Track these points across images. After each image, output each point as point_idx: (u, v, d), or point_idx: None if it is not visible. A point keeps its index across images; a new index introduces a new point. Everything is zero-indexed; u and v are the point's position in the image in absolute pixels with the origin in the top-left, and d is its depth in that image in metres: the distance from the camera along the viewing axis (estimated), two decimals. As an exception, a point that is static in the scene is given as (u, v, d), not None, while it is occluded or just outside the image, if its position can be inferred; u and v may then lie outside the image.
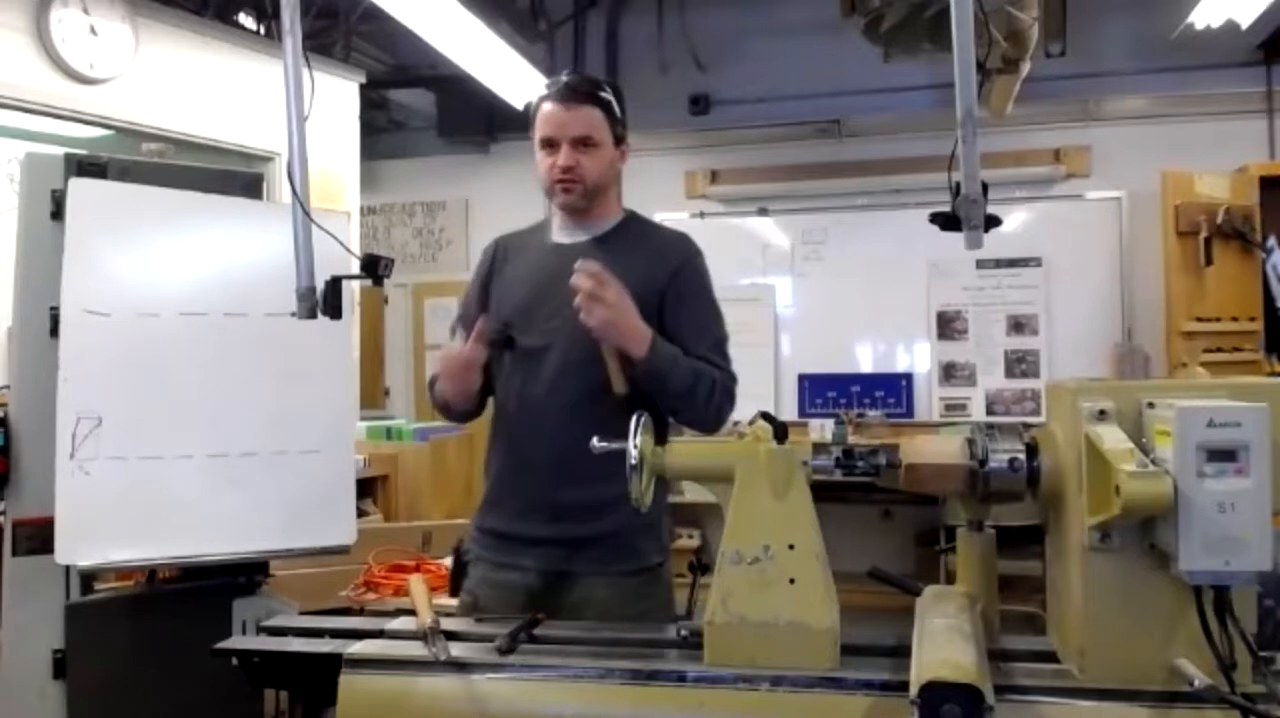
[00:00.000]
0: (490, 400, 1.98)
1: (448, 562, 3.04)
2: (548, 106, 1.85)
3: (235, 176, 2.70)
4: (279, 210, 2.38)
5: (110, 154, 2.49)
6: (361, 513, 3.50)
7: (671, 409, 1.81)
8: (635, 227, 1.97)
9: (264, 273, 2.38)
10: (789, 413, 5.51)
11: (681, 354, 1.78)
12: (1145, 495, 1.03)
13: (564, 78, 1.88)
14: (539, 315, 1.85)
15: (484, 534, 1.91)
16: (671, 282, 1.86)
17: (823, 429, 5.28)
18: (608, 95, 1.88)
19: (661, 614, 1.81)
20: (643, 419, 1.36)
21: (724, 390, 1.83)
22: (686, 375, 1.77)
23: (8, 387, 2.38)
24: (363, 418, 4.99)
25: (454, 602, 2.66)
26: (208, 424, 2.37)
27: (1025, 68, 4.26)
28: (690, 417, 1.83)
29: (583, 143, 1.84)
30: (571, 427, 1.74)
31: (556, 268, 1.84)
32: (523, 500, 1.84)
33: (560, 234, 1.95)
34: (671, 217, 5.84)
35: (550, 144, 1.85)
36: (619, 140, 1.91)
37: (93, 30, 3.81)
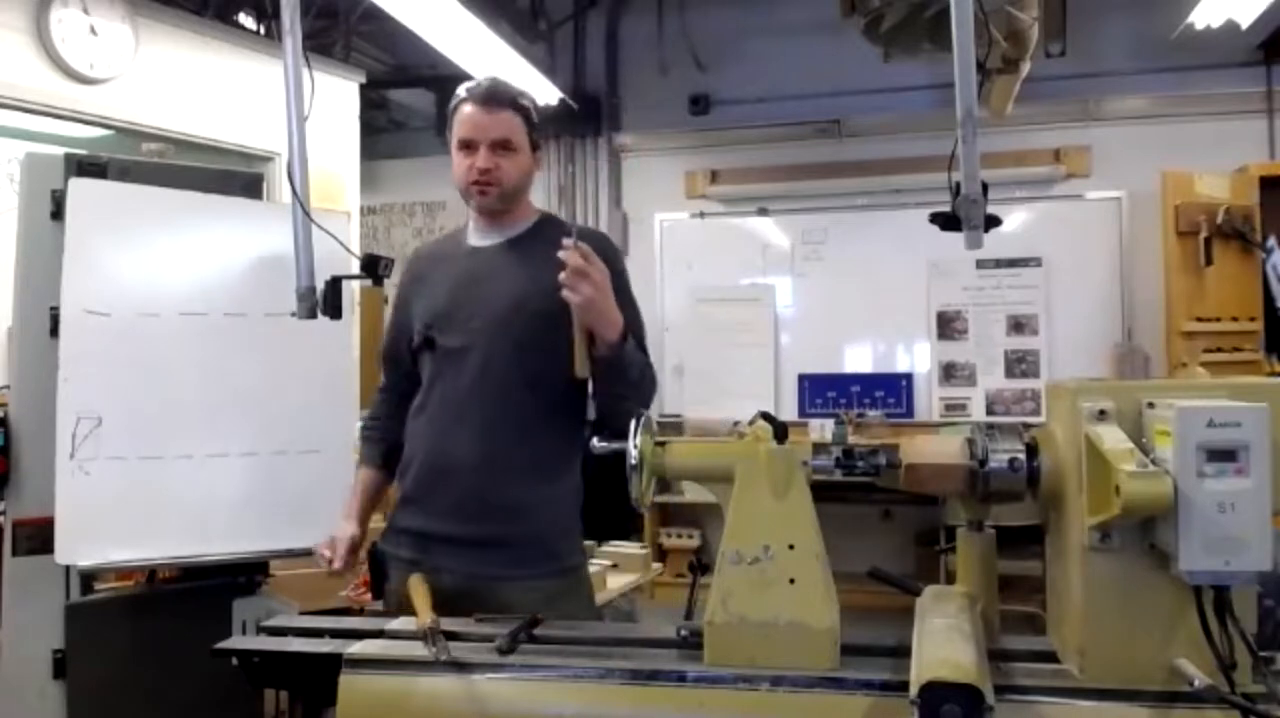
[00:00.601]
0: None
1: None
2: (467, 109, 1.85)
3: (235, 176, 2.71)
4: (279, 210, 2.38)
5: (110, 154, 2.49)
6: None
7: (617, 396, 1.79)
8: (550, 228, 1.96)
9: (264, 273, 2.38)
10: (789, 413, 5.51)
11: (636, 365, 1.79)
12: (1145, 495, 1.03)
13: (484, 82, 1.88)
14: (459, 317, 1.86)
15: (402, 534, 1.89)
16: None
17: (823, 429, 5.28)
18: (526, 103, 1.90)
19: (585, 615, 1.82)
20: (643, 419, 1.36)
21: (654, 383, 1.89)
22: (639, 366, 1.80)
23: (8, 387, 2.38)
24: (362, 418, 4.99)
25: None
26: (208, 424, 2.37)
27: (1025, 68, 4.26)
28: (630, 406, 1.82)
29: (501, 146, 1.84)
30: (496, 426, 1.78)
31: (474, 270, 1.89)
32: (446, 500, 1.83)
33: (476, 238, 1.96)
34: (671, 217, 5.86)
35: (468, 146, 1.85)
36: (534, 147, 1.92)
37: (93, 30, 3.81)
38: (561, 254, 1.65)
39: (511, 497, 1.79)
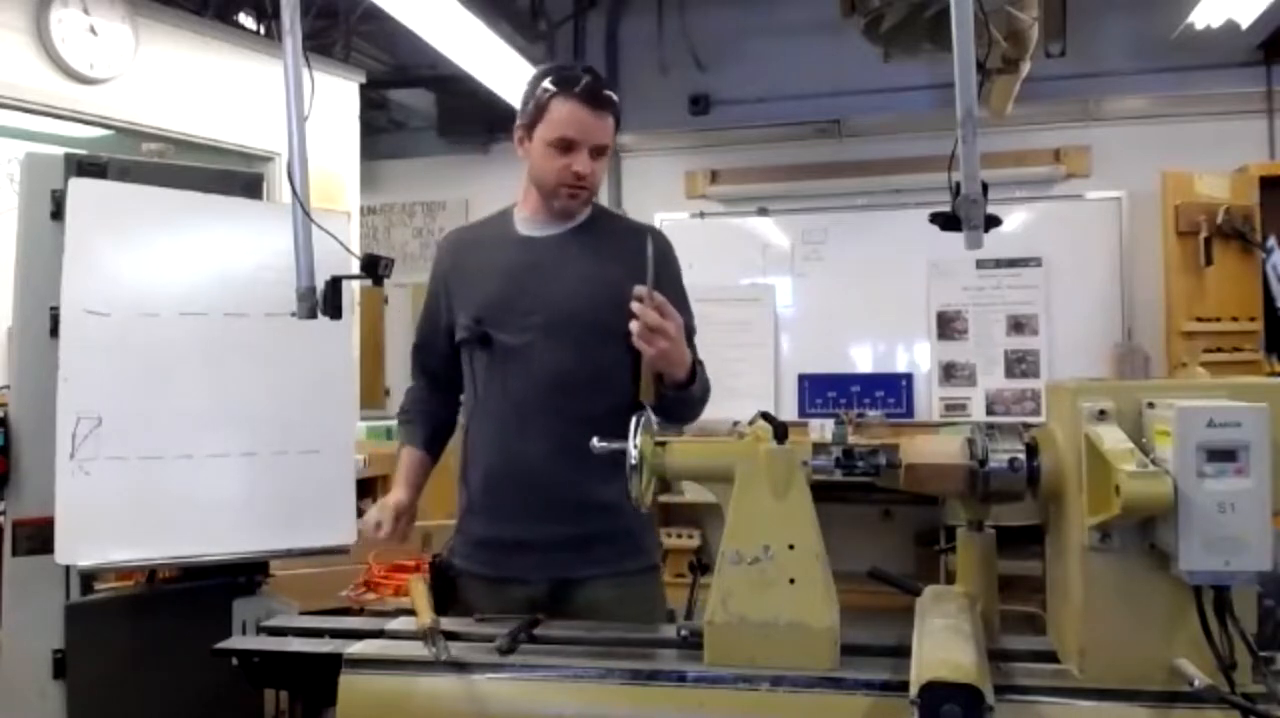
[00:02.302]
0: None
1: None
2: (573, 104, 1.75)
3: (235, 176, 2.70)
4: (279, 210, 2.38)
5: (110, 154, 2.49)
6: (361, 513, 3.49)
7: (679, 417, 1.79)
8: (605, 218, 1.93)
9: (264, 273, 2.38)
10: (789, 413, 5.51)
11: (700, 372, 1.77)
12: (1145, 495, 1.03)
13: (583, 76, 1.77)
14: (516, 310, 1.80)
15: (475, 547, 1.82)
16: (655, 274, 1.83)
17: (823, 429, 5.28)
18: (618, 103, 1.83)
19: (660, 615, 1.79)
20: (642, 419, 1.36)
21: (709, 390, 1.84)
22: (703, 388, 1.78)
23: (8, 387, 2.38)
24: (363, 418, 4.98)
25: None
26: (208, 424, 2.37)
27: (1025, 68, 4.26)
28: (689, 419, 1.82)
29: (600, 151, 1.79)
30: (567, 423, 1.70)
31: (529, 262, 1.83)
32: (520, 504, 1.77)
33: (527, 227, 1.88)
34: (671, 217, 5.85)
35: (569, 146, 1.77)
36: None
37: (93, 30, 3.81)
38: (634, 307, 1.57)
39: (590, 495, 1.71)
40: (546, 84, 1.79)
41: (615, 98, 1.81)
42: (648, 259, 1.57)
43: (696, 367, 1.75)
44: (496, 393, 1.82)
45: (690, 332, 1.80)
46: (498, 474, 1.81)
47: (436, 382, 2.00)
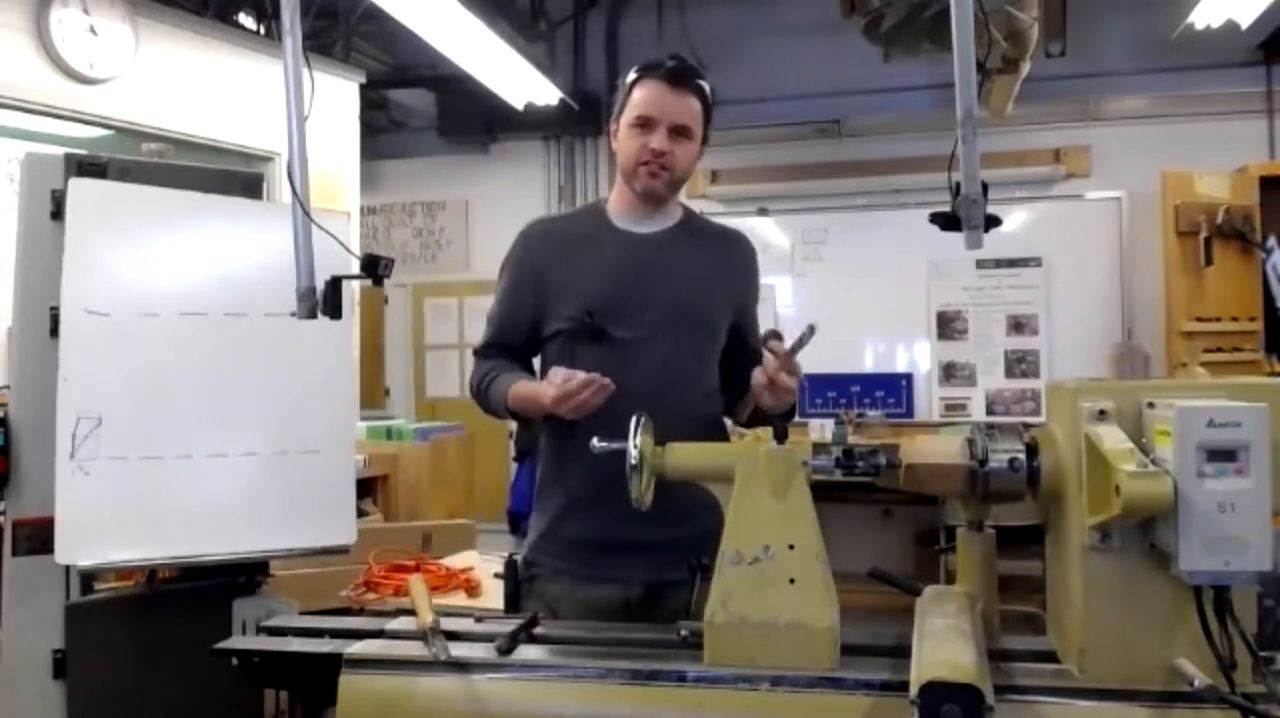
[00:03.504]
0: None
1: (447, 561, 3.04)
2: (652, 84, 1.77)
3: (235, 176, 2.70)
4: (279, 210, 2.39)
5: (110, 154, 2.49)
6: (361, 513, 3.50)
7: (760, 420, 1.80)
8: (697, 223, 1.96)
9: (264, 273, 2.38)
10: (789, 413, 5.50)
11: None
12: (1145, 495, 1.03)
13: (668, 62, 1.79)
14: (628, 307, 1.78)
15: (570, 546, 1.77)
16: (745, 280, 1.97)
17: (823, 429, 5.28)
18: (708, 90, 1.82)
19: None
20: (642, 419, 1.36)
21: None
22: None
23: (8, 387, 2.38)
24: (363, 418, 4.99)
25: (470, 603, 2.63)
26: (208, 424, 2.37)
27: (1025, 68, 4.26)
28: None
29: (680, 131, 1.78)
30: (677, 422, 1.60)
31: (637, 258, 1.84)
32: (627, 502, 1.75)
33: (625, 222, 1.87)
34: (671, 217, 5.85)
35: (646, 124, 1.77)
36: (706, 139, 1.86)
37: (93, 30, 3.81)
38: (768, 363, 1.64)
39: (699, 496, 1.62)
40: (632, 73, 1.83)
41: (704, 84, 1.81)
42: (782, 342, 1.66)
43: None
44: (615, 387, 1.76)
45: (758, 328, 1.95)
46: (610, 472, 1.74)
47: (511, 359, 1.93)
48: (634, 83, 1.80)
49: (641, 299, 1.80)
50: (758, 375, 1.64)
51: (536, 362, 1.94)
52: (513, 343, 1.91)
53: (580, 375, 1.65)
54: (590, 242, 1.87)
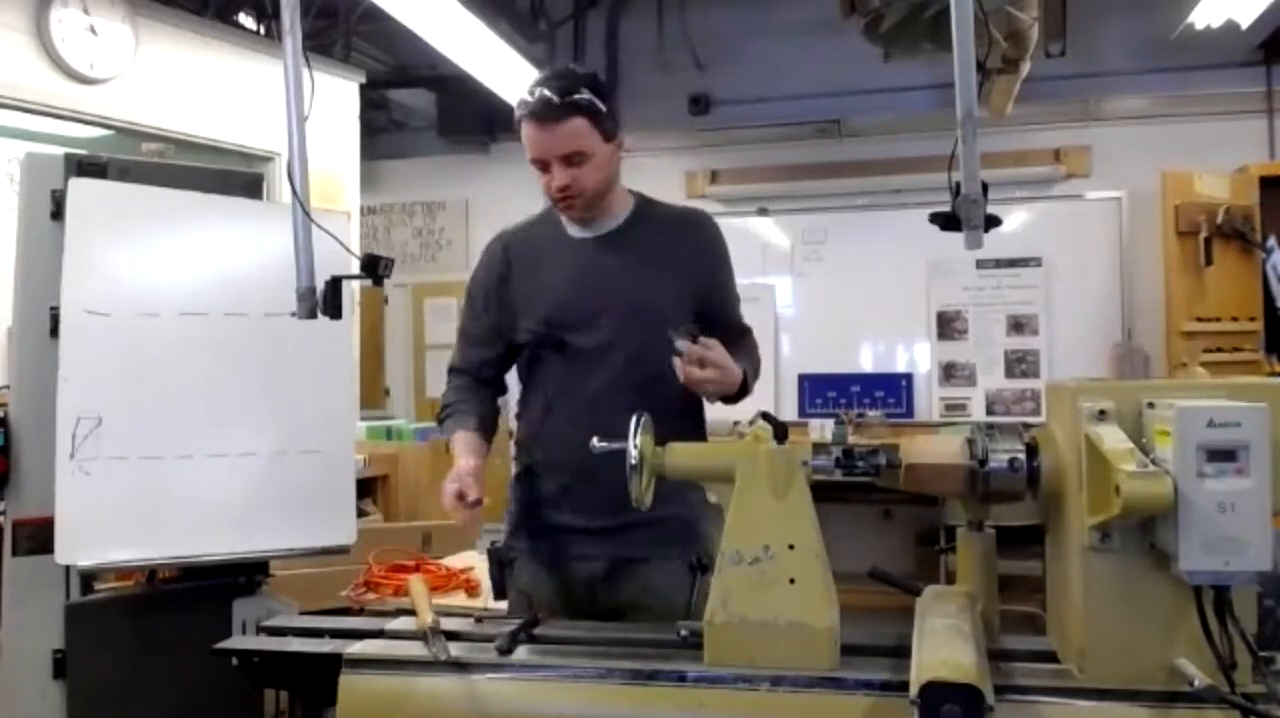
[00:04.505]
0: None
1: (447, 561, 3.04)
2: (527, 126, 1.78)
3: (235, 176, 2.71)
4: (279, 210, 2.38)
5: (110, 154, 2.49)
6: (361, 513, 3.50)
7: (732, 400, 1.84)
8: (649, 212, 1.95)
9: (264, 273, 2.38)
10: (789, 413, 5.51)
11: (749, 365, 1.83)
12: (1145, 495, 1.03)
13: (539, 90, 1.76)
14: (583, 314, 1.83)
15: (544, 534, 1.87)
16: (705, 262, 1.92)
17: (823, 429, 5.28)
18: (586, 96, 1.76)
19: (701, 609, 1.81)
20: (642, 419, 1.36)
21: (759, 359, 1.95)
22: (756, 375, 1.85)
23: (8, 387, 2.38)
24: (363, 418, 4.99)
25: (470, 603, 2.64)
26: (208, 424, 2.37)
27: (1025, 68, 4.26)
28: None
29: (570, 159, 1.78)
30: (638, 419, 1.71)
31: (587, 264, 1.86)
32: (597, 497, 1.77)
33: (578, 228, 1.91)
34: (671, 217, 5.85)
35: (541, 165, 1.81)
36: (609, 137, 1.82)
37: (93, 30, 3.81)
38: (677, 362, 1.67)
39: (661, 486, 1.67)
40: (515, 110, 1.84)
41: (576, 98, 1.75)
42: (684, 338, 1.67)
43: (745, 371, 1.80)
44: (569, 392, 1.84)
45: (738, 300, 1.96)
46: (576, 471, 1.80)
47: (479, 380, 2.00)
48: (518, 123, 1.82)
49: (595, 305, 1.83)
50: (675, 363, 1.68)
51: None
52: (479, 360, 1.99)
53: (454, 497, 1.72)
54: (545, 251, 1.92)
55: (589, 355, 1.83)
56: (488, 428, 1.95)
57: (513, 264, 1.94)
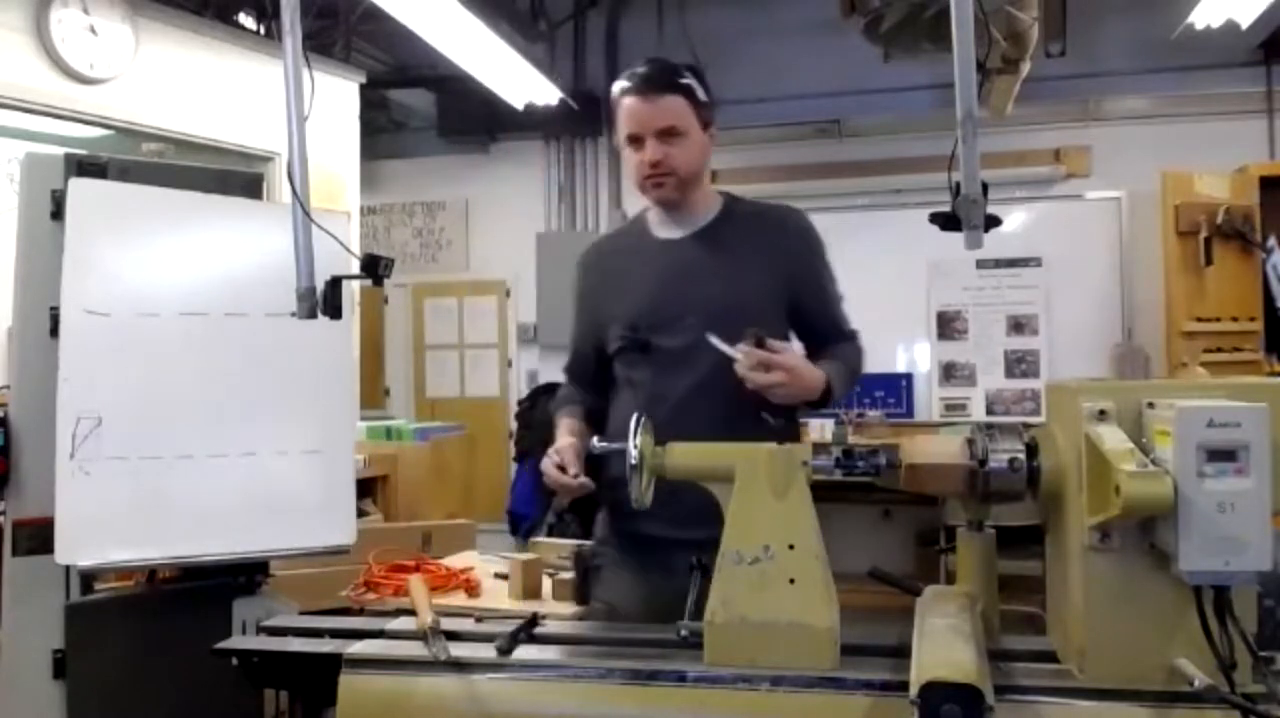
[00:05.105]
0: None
1: (447, 561, 3.04)
2: (628, 101, 1.80)
3: (235, 176, 2.70)
4: (279, 210, 2.38)
5: (110, 154, 2.49)
6: (361, 513, 3.50)
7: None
8: (738, 210, 1.93)
9: (264, 273, 2.38)
10: (789, 413, 5.50)
11: (842, 367, 1.80)
12: (1145, 495, 1.03)
13: (640, 69, 1.81)
14: (669, 315, 1.81)
15: (627, 539, 1.83)
16: (797, 259, 1.88)
17: (823, 429, 5.28)
18: (688, 80, 1.81)
19: None
20: (643, 419, 1.36)
21: (862, 358, 1.91)
22: (849, 381, 1.81)
23: (8, 387, 2.38)
24: (363, 418, 4.99)
25: (470, 603, 2.63)
26: (208, 424, 2.37)
27: (1025, 68, 4.26)
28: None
29: (668, 134, 1.79)
30: (728, 425, 1.65)
31: (673, 266, 1.85)
32: (687, 505, 1.66)
33: (663, 229, 1.90)
34: (671, 217, 5.85)
35: (636, 140, 1.80)
36: (706, 125, 1.85)
37: (93, 30, 3.81)
38: (738, 368, 1.64)
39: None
40: (613, 91, 1.84)
41: (683, 79, 1.80)
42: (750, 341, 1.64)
43: (829, 375, 1.76)
44: (654, 396, 1.81)
45: (841, 299, 1.91)
46: (671, 483, 1.77)
47: (584, 384, 2.01)
48: (615, 102, 1.83)
49: (681, 306, 1.81)
50: (738, 368, 1.67)
51: None
52: (584, 369, 2.01)
53: (549, 468, 1.74)
54: (632, 256, 1.92)
55: (675, 357, 1.80)
56: (593, 419, 1.94)
57: (600, 276, 1.96)
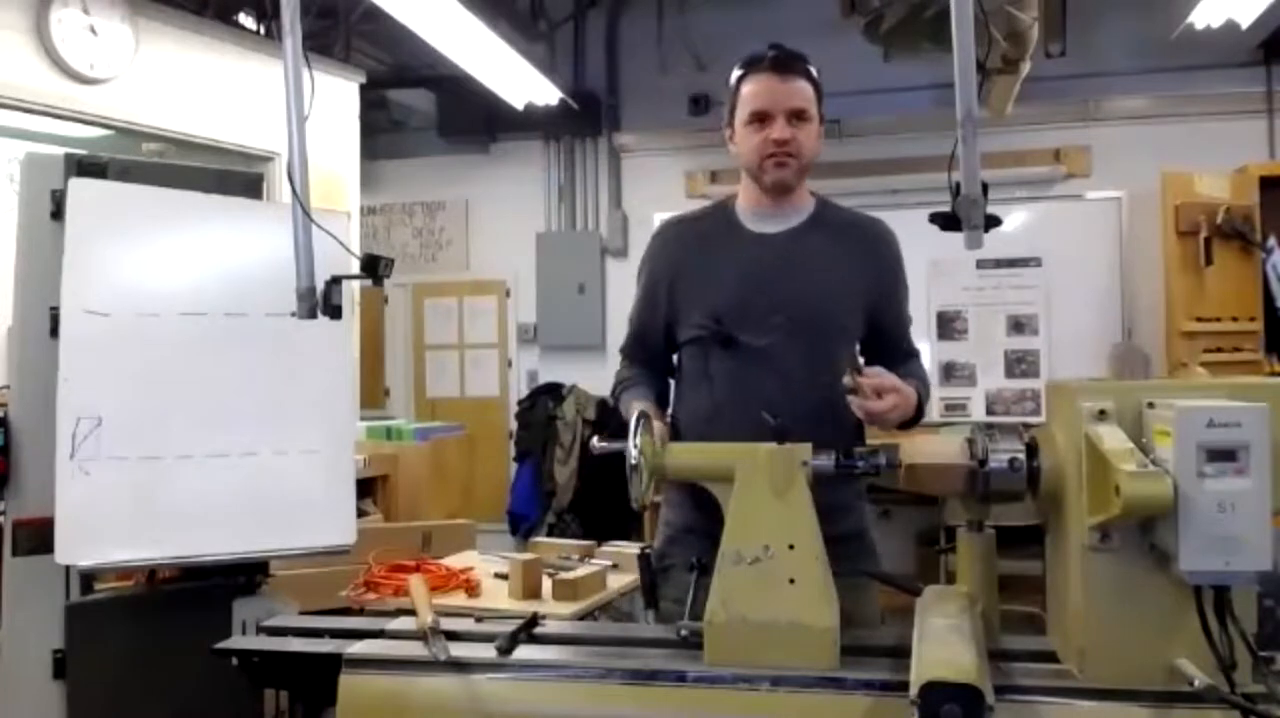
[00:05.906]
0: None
1: (447, 561, 3.04)
2: (759, 77, 1.78)
3: (235, 176, 2.70)
4: (279, 210, 2.38)
5: (110, 154, 2.49)
6: (361, 513, 3.50)
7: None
8: (831, 214, 1.92)
9: (264, 273, 2.38)
10: (789, 413, 5.50)
11: (921, 387, 1.77)
12: (1145, 495, 1.03)
13: (771, 51, 1.79)
14: (757, 312, 1.78)
15: (700, 543, 1.72)
16: (885, 277, 1.88)
17: (823, 429, 5.27)
18: (815, 72, 1.82)
19: (876, 619, 1.73)
20: (642, 420, 1.36)
21: (928, 380, 1.87)
22: (926, 397, 1.77)
23: (8, 387, 2.38)
24: (363, 418, 4.99)
25: (470, 603, 2.63)
26: (208, 424, 2.37)
27: (1025, 68, 4.26)
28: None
29: (798, 115, 1.78)
30: (809, 425, 1.56)
31: (766, 259, 1.82)
32: None
33: (756, 223, 1.87)
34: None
35: (762, 118, 1.78)
36: (822, 119, 1.85)
37: (93, 30, 3.81)
38: (853, 400, 1.60)
39: (833, 497, 1.56)
40: (737, 71, 1.83)
41: (809, 67, 1.81)
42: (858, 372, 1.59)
43: (918, 389, 1.73)
44: (735, 392, 1.77)
45: (910, 321, 1.90)
46: None
47: (648, 367, 1.96)
48: (740, 80, 1.81)
49: (770, 304, 1.78)
50: (850, 400, 1.62)
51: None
52: (650, 347, 1.95)
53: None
54: (720, 244, 1.87)
55: (759, 355, 1.76)
56: (663, 402, 1.91)
57: (682, 256, 1.89)
